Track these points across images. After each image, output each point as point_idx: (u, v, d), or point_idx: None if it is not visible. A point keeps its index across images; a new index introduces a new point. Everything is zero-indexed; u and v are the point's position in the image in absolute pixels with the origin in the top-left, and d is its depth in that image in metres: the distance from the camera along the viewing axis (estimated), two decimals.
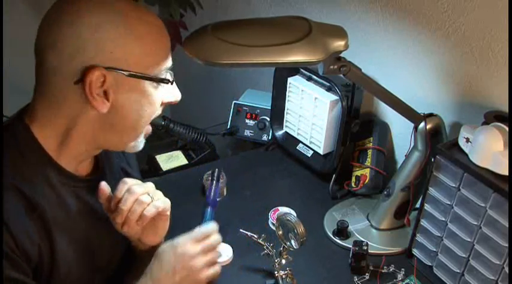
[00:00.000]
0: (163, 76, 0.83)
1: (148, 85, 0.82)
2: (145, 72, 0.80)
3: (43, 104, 0.80)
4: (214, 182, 1.02)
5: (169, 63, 0.84)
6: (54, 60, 0.75)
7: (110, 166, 0.95)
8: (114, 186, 0.87)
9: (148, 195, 0.86)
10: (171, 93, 0.87)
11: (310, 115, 1.29)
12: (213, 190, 1.00)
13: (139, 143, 0.88)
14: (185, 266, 0.84)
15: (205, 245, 0.87)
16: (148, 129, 0.88)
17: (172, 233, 1.15)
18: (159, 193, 0.89)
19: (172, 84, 0.86)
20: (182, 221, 1.19)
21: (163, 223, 0.92)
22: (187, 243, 0.86)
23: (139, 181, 0.88)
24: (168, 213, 0.91)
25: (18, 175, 0.77)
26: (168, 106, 0.89)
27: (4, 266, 0.72)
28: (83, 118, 0.80)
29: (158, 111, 0.86)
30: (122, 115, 0.81)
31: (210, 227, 0.91)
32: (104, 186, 0.85)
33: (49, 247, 0.80)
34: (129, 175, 0.98)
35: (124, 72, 0.77)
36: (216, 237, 0.90)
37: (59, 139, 0.81)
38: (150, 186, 0.88)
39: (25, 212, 0.76)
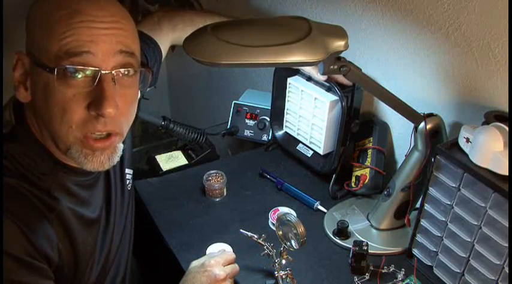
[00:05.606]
0: (69, 68, 0.68)
1: (50, 78, 0.69)
2: (47, 62, 0.69)
3: None
4: None
5: (83, 53, 0.68)
6: None
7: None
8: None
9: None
10: (93, 98, 0.70)
11: (310, 116, 1.29)
12: None
13: (78, 156, 0.74)
14: None
15: (232, 272, 0.95)
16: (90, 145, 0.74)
17: (172, 233, 1.15)
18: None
19: (73, 76, 0.68)
20: (182, 221, 1.20)
21: None
22: (215, 267, 0.92)
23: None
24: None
25: (28, 178, 0.74)
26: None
27: (23, 273, 0.68)
28: (27, 108, 0.76)
29: (76, 114, 0.71)
30: (38, 108, 0.73)
31: (233, 254, 0.99)
32: None
33: (69, 246, 0.78)
34: (123, 167, 0.98)
35: (30, 58, 0.71)
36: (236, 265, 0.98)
37: (43, 132, 0.77)
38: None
39: (41, 214, 0.74)
